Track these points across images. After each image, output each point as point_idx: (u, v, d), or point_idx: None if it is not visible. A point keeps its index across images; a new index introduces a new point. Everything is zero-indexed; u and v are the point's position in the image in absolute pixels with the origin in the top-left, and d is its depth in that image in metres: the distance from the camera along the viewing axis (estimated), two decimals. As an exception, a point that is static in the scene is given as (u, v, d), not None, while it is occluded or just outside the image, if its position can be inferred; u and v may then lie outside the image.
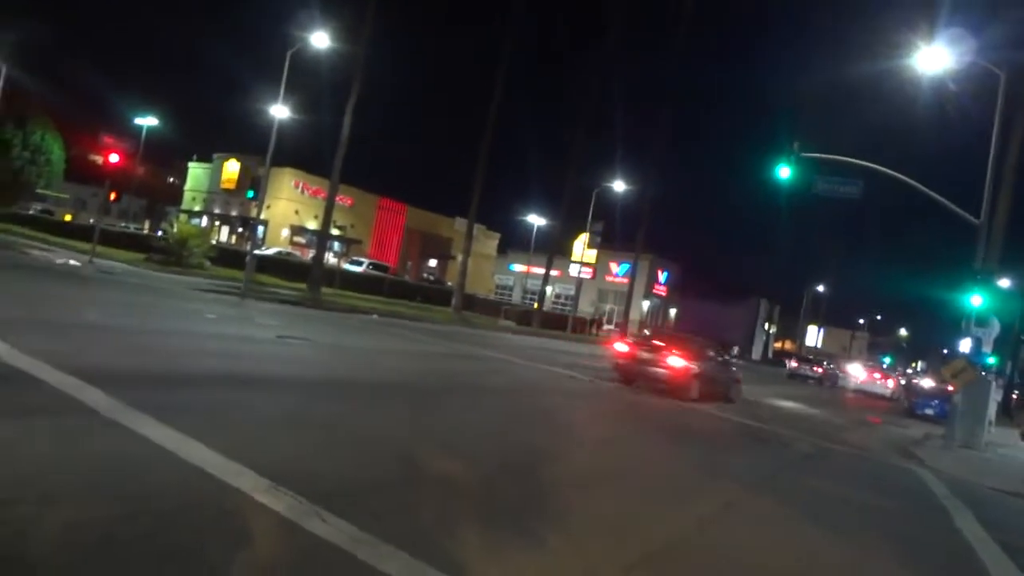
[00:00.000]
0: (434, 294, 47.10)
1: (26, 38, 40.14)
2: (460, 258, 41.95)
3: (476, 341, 24.10)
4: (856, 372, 47.53)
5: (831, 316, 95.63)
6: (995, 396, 21.60)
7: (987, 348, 18.86)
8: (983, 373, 18.55)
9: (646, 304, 69.45)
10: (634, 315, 59.12)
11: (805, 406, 25.38)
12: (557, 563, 4.76)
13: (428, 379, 12.91)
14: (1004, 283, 25.99)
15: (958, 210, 18.60)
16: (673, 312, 75.16)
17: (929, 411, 28.10)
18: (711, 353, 19.29)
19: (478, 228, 54.53)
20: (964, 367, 17.23)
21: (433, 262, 72.14)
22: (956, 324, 19.69)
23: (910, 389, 38.31)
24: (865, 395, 41.98)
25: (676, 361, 17.04)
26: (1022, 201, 21.66)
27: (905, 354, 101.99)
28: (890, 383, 44.41)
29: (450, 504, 5.49)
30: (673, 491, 7.67)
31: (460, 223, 44.17)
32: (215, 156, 69.76)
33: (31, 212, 51.14)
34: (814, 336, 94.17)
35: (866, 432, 20.36)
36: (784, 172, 20.24)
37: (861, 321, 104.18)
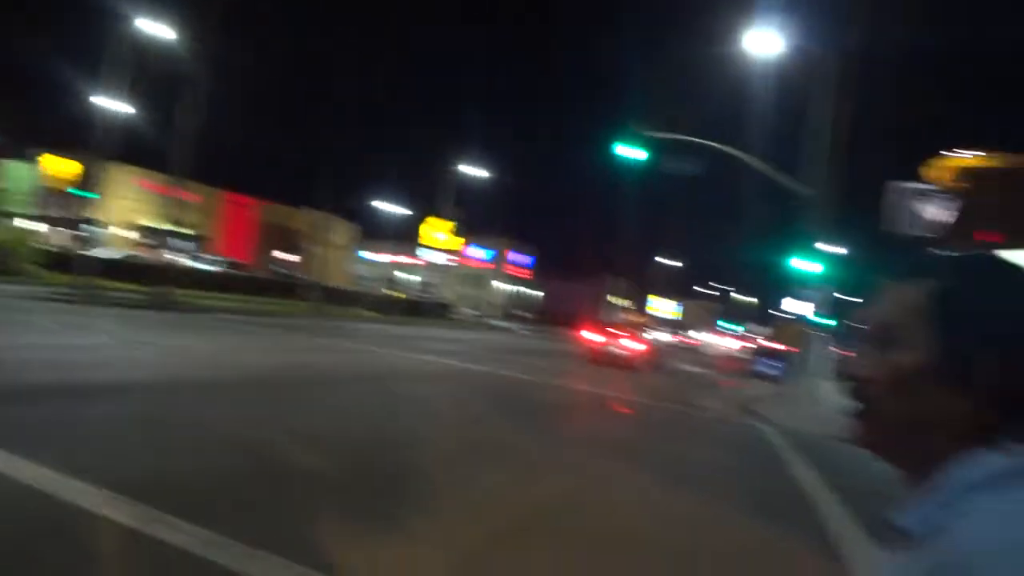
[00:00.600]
0: (291, 288, 45.75)
1: None
2: (316, 250, 40.97)
3: (336, 333, 23.67)
4: (711, 339, 50.66)
5: (682, 289, 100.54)
6: (828, 353, 23.46)
7: (819, 310, 20.43)
8: (817, 333, 20.12)
9: (507, 287, 70.54)
10: (495, 298, 59.94)
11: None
12: (420, 543, 4.81)
13: (282, 374, 12.58)
14: (833, 249, 28.20)
15: (789, 181, 20.01)
16: (532, 292, 76.74)
17: (768, 370, 30.05)
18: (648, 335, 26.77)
19: (333, 219, 53.32)
20: (798, 329, 18.66)
21: (288, 256, 69.94)
22: (794, 289, 21.25)
23: (755, 352, 40.75)
24: (719, 359, 44.83)
25: (633, 344, 24.49)
26: (850, 173, 23.53)
27: (745, 318, 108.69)
28: (738, 345, 47.68)
29: (309, 497, 5.42)
30: (538, 464, 7.90)
31: (314, 214, 43.12)
32: (38, 152, 64.36)
33: None
34: (670, 307, 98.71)
35: (715, 394, 21.64)
36: (633, 152, 21.07)
37: (711, 292, 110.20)
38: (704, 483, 8.21)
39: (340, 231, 75.08)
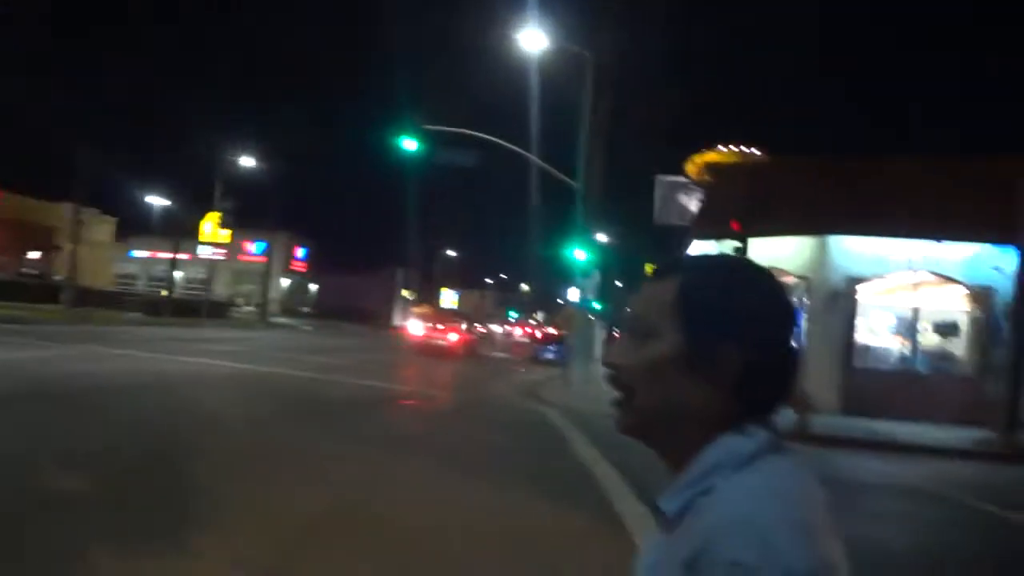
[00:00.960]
0: (41, 291, 40.89)
1: None
2: (74, 248, 37.04)
3: (94, 338, 21.53)
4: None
5: (463, 279, 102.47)
6: (600, 336, 25.05)
7: (591, 295, 21.68)
8: (589, 317, 21.34)
9: (286, 282, 67.87)
10: (274, 294, 57.46)
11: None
12: (202, 560, 4.48)
13: (31, 387, 11.17)
14: (602, 238, 30.01)
15: (560, 175, 20.99)
16: (313, 287, 74.50)
17: (550, 355, 31.40)
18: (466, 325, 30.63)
19: (94, 214, 48.43)
20: (572, 313, 19.71)
21: (37, 254, 62.44)
22: (568, 277, 22.40)
23: (538, 338, 42.40)
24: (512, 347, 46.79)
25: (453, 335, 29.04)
26: (612, 169, 25.11)
27: (528, 307, 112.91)
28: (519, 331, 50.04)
29: (78, 523, 4.87)
30: (326, 463, 7.66)
31: (71, 209, 38.74)
32: None
33: None
34: (449, 299, 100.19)
35: (501, 381, 22.27)
36: (409, 144, 21.07)
37: (489, 281, 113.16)
38: (492, 469, 8.40)
39: (102, 227, 68.47)
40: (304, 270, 72.02)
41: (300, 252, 70.83)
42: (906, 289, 16.73)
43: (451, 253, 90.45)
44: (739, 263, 1.03)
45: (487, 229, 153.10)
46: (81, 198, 35.05)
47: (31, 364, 13.88)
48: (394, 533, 5.51)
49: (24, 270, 57.81)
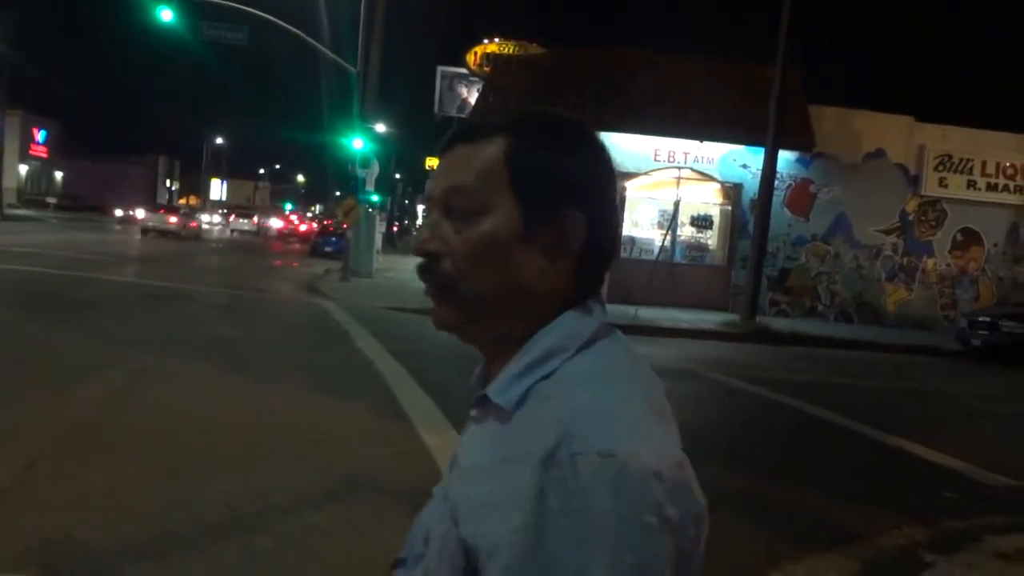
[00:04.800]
0: None
1: None
2: None
3: None
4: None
5: (233, 169, 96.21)
6: (380, 229, 24.60)
7: (370, 187, 21.09)
8: (369, 209, 20.84)
9: (24, 168, 59.85)
10: (9, 182, 50.51)
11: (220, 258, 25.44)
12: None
13: None
14: (381, 128, 29.10)
15: (336, 58, 19.88)
16: (59, 175, 66.48)
17: (329, 248, 30.61)
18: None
19: None
20: (352, 205, 19.16)
21: None
22: (346, 168, 21.56)
23: (316, 231, 40.74)
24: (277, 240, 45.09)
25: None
26: (391, 52, 24.19)
27: (304, 199, 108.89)
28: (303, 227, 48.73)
29: None
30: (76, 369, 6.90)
31: None
32: None
33: None
34: (218, 190, 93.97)
35: (276, 275, 21.38)
36: (166, 15, 18.89)
37: (262, 171, 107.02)
38: (273, 366, 8.06)
39: None
40: (46, 155, 63.66)
41: (39, 135, 62.32)
42: (669, 184, 17.91)
43: (220, 141, 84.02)
44: (567, 120, 0.88)
45: (261, 115, 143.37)
46: None
47: None
48: (164, 438, 5.11)
49: None
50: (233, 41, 20.65)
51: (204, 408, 6.01)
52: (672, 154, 17.41)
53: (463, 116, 23.61)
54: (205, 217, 57.10)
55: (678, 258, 18.23)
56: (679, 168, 17.59)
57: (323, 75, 25.37)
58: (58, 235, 27.28)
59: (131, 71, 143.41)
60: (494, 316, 0.83)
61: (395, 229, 50.27)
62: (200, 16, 20.39)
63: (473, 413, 0.88)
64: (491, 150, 0.83)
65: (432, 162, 34.90)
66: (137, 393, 6.40)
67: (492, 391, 0.82)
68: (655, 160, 17.44)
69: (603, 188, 0.86)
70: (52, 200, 55.30)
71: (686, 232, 18.43)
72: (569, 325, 0.82)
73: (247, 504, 4.08)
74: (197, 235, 39.33)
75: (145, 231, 34.45)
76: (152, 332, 9.50)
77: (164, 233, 33.71)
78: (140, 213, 37.98)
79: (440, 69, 29.19)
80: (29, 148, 60.64)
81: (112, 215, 50.09)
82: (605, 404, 0.75)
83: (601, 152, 0.87)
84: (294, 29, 19.42)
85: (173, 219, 36.35)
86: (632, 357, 0.83)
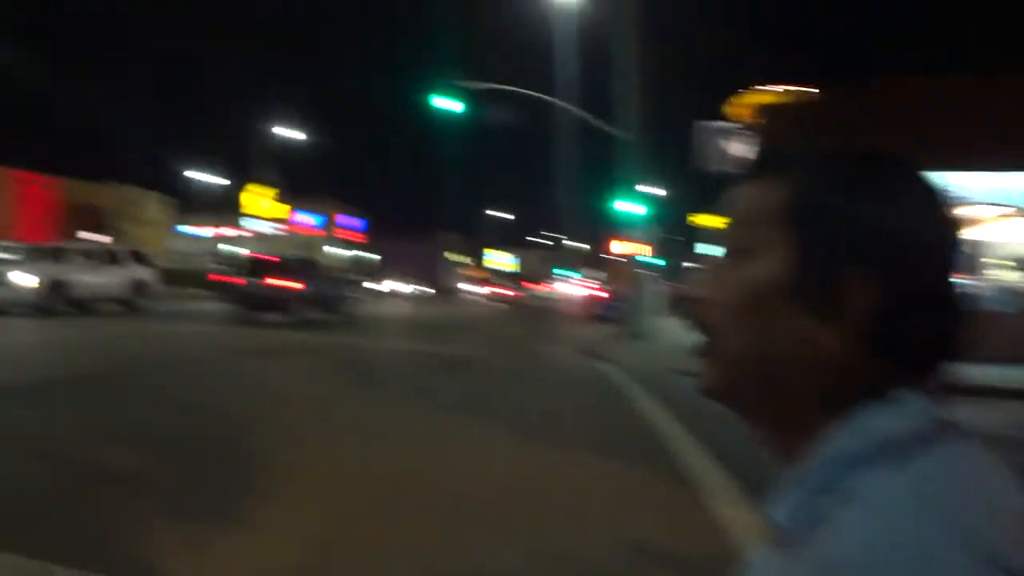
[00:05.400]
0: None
1: None
2: (128, 227, 38.11)
3: (173, 317, 22.03)
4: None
5: (518, 239, 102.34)
6: (660, 291, 24.57)
7: (649, 250, 21.25)
8: (648, 272, 20.94)
9: (345, 252, 68.75)
10: (336, 265, 58.27)
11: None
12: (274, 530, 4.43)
13: (126, 368, 11.41)
14: (655, 190, 29.36)
15: (605, 126, 20.53)
16: (369, 255, 75.51)
17: (610, 313, 31.04)
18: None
19: (144, 193, 49.74)
20: (625, 270, 19.40)
21: (98, 236, 64.27)
22: (610, 230, 22.00)
23: (600, 296, 41.85)
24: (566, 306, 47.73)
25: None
26: (661, 114, 24.46)
27: (587, 264, 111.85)
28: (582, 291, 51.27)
29: (132, 501, 4.86)
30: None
31: (122, 189, 39.72)
32: None
33: None
34: (504, 259, 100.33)
35: (560, 339, 22.09)
36: (450, 104, 20.85)
37: (530, 238, 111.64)
38: (556, 430, 8.25)
39: (154, 206, 70.28)
40: (359, 240, 72.81)
41: (354, 222, 71.54)
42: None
43: (497, 214, 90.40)
44: (874, 156, 0.70)
45: (533, 187, 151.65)
46: (135, 179, 35.71)
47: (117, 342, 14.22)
48: (459, 500, 5.39)
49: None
50: (509, 122, 22.30)
51: (494, 469, 6.28)
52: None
53: (729, 170, 23.00)
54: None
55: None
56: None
57: (595, 143, 26.20)
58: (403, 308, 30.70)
59: (416, 156, 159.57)
60: (761, 388, 0.69)
61: (676, 289, 50.09)
62: (477, 101, 22.15)
63: (768, 529, 0.69)
64: (773, 187, 0.71)
65: (697, 219, 34.37)
66: (439, 456, 6.85)
67: (771, 506, 0.68)
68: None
69: (920, 244, 0.66)
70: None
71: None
72: (864, 425, 0.63)
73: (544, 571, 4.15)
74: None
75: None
76: (455, 393, 10.23)
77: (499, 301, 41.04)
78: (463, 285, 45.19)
79: (700, 124, 28.90)
80: (334, 231, 69.49)
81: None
82: (871, 543, 0.55)
83: (925, 198, 0.68)
84: (561, 102, 20.43)
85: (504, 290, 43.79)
86: (974, 472, 0.60)
